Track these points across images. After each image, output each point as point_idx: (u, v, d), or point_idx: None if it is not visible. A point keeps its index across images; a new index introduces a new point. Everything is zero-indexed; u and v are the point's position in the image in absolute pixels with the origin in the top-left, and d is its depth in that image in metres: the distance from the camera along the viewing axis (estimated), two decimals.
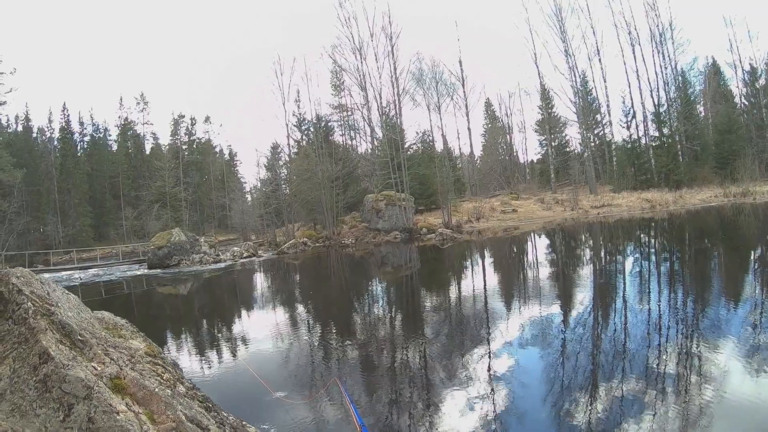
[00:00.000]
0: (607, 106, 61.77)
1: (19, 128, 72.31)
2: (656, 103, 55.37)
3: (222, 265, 34.60)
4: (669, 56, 55.65)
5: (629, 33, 56.81)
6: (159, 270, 34.87)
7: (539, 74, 62.28)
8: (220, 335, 13.24)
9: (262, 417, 6.60)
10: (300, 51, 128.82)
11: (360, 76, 56.78)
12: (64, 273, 38.26)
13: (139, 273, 34.90)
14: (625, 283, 13.77)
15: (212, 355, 10.70)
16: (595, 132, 63.06)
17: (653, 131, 56.09)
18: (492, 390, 7.01)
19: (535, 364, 8.01)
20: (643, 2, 56.04)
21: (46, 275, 7.03)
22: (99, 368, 3.57)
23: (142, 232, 61.95)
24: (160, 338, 11.93)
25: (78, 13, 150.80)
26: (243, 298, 20.66)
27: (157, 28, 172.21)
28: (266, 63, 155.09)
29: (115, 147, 79.98)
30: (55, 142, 73.79)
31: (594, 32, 59.75)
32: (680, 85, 56.12)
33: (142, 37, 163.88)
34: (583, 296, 12.81)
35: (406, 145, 52.92)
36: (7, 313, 3.68)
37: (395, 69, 53.49)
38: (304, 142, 60.95)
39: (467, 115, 67.01)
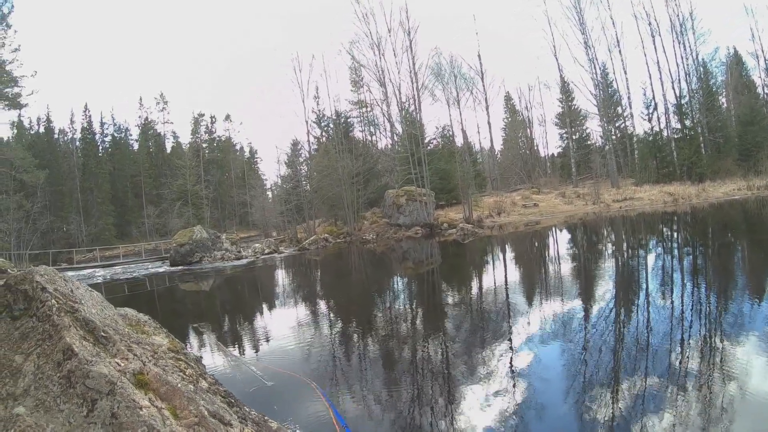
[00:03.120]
0: (628, 98, 61.18)
1: (41, 130, 73.18)
2: (678, 94, 54.70)
3: (244, 261, 34.80)
4: (690, 47, 55.01)
5: (649, 24, 56.22)
6: (181, 267, 35.16)
7: (559, 67, 61.85)
8: (241, 331, 13.29)
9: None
10: (300, 50, 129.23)
11: (379, 71, 56.82)
12: (87, 271, 38.71)
13: (161, 270, 35.23)
14: (649, 281, 13.59)
15: (232, 351, 10.73)
16: (617, 125, 62.47)
17: (675, 123, 55.35)
18: (514, 388, 6.97)
19: (558, 362, 7.94)
20: None
21: (70, 273, 7.12)
22: (122, 364, 3.59)
23: (164, 229, 62.54)
24: (182, 334, 12.02)
25: (93, 16, 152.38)
26: (264, 295, 20.73)
27: (161, 29, 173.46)
28: (266, 62, 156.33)
29: (136, 146, 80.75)
30: (77, 143, 74.64)
31: (613, 23, 59.25)
32: (702, 76, 55.39)
33: (153, 37, 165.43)
34: (608, 293, 12.67)
35: (426, 140, 52.80)
36: (31, 311, 3.72)
37: (414, 64, 53.55)
38: (324, 139, 61.01)
39: (487, 109, 66.63)
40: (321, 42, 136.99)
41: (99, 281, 30.05)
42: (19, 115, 65.78)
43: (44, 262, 40.79)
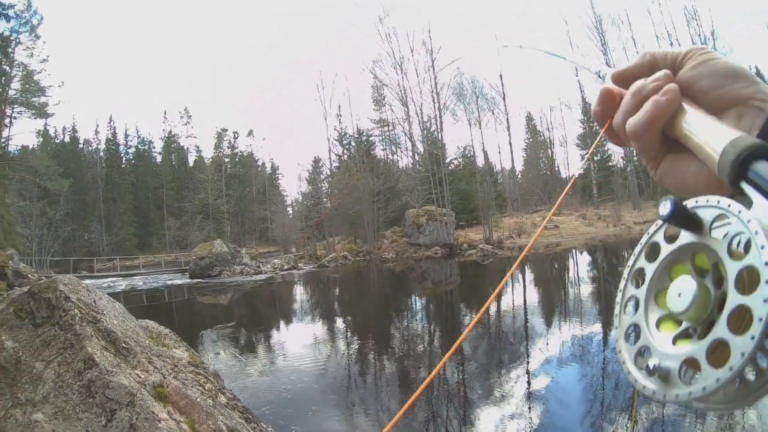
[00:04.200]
0: None
1: (66, 139, 74.27)
2: None
3: (262, 276, 34.79)
4: None
5: (671, 44, 55.83)
6: (200, 280, 35.22)
7: (580, 87, 61.56)
8: (257, 346, 13.30)
9: None
10: (297, 51, 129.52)
11: (401, 91, 57.01)
12: (107, 280, 38.93)
13: (180, 282, 35.34)
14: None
15: (250, 365, 10.73)
16: None
17: None
18: (530, 409, 6.91)
19: (574, 387, 7.87)
20: (684, 12, 55.32)
21: (89, 281, 7.17)
22: (142, 376, 3.60)
23: (185, 242, 62.80)
24: (200, 347, 12.06)
25: (114, 30, 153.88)
26: (282, 311, 20.71)
27: (163, 31, 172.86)
28: (264, 63, 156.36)
29: (159, 159, 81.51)
30: (101, 153, 75.66)
31: (635, 43, 58.71)
32: None
33: (163, 45, 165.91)
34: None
35: (448, 160, 52.74)
36: (54, 319, 3.75)
37: (436, 84, 53.72)
38: (346, 157, 61.07)
39: (508, 129, 66.40)
40: (320, 41, 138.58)
41: (118, 291, 30.20)
42: (45, 124, 66.86)
43: (64, 269, 41.35)
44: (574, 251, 33.48)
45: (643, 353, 0.40)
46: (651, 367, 0.36)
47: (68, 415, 3.25)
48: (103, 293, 4.73)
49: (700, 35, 54.56)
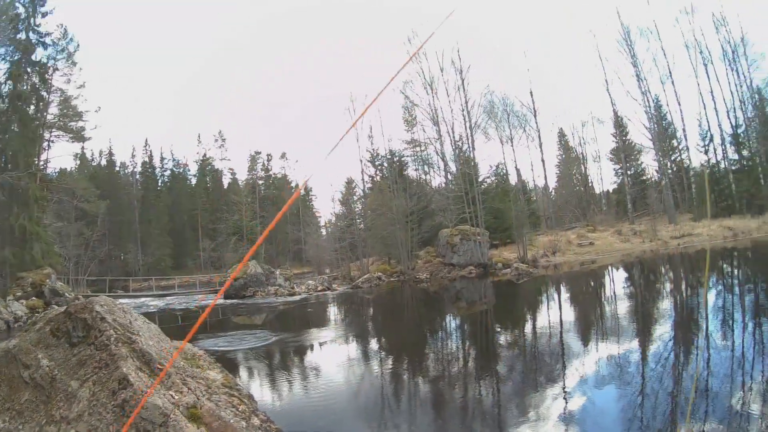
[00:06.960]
0: (683, 130, 58.89)
1: (103, 162, 76.14)
2: (734, 124, 53.14)
3: (296, 297, 34.92)
4: (743, 74, 53.19)
5: (700, 52, 54.56)
6: (235, 300, 35.46)
7: (611, 101, 60.42)
8: (291, 366, 13.31)
9: None
10: (329, 74, 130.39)
11: (432, 110, 57.04)
12: (141, 299, 39.49)
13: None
14: (708, 323, 13.06)
15: (284, 386, 10.75)
16: (672, 158, 60.25)
17: (732, 154, 54.06)
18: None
19: (612, 407, 7.74)
20: (713, 19, 54.48)
21: (124, 300, 7.28)
22: (176, 397, 3.61)
23: (219, 263, 63.44)
24: (232, 368, 12.12)
25: (153, 58, 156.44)
26: (316, 331, 20.69)
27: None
28: (295, 87, 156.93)
29: (194, 181, 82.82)
30: (137, 176, 77.33)
31: (665, 54, 57.56)
32: (757, 103, 53.42)
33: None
34: (667, 336, 12.32)
35: (480, 179, 52.45)
36: (90, 339, 3.79)
37: (466, 103, 53.61)
38: (378, 178, 61.12)
39: (540, 146, 65.45)
40: (350, 63, 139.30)
41: (153, 310, 30.54)
42: (82, 148, 68.42)
43: (101, 288, 42.29)
44: (610, 268, 33.06)
45: None
46: None
47: None
48: (138, 314, 4.79)
49: (729, 42, 53.80)
